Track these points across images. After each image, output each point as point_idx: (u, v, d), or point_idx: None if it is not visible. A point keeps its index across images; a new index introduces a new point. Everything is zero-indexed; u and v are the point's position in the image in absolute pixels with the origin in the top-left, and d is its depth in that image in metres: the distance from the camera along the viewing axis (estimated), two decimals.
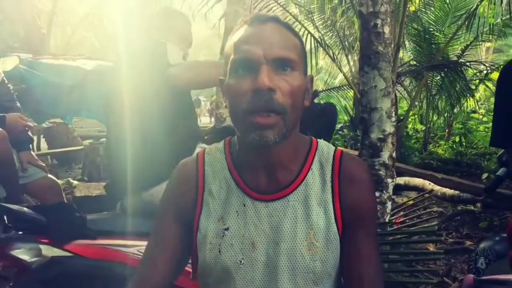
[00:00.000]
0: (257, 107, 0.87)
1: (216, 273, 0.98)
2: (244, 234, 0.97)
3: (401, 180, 5.59)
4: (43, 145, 8.44)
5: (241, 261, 0.96)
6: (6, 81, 2.76)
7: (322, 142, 1.04)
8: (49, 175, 2.81)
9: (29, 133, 2.67)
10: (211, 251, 0.98)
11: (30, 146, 2.75)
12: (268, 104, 0.86)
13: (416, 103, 8.25)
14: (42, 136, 8.37)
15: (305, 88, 0.95)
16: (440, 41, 7.59)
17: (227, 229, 0.98)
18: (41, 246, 1.53)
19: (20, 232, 1.57)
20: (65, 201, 2.91)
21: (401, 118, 7.21)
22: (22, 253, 1.51)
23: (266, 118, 0.87)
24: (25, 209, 1.59)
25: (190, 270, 1.09)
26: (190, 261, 1.09)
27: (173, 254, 1.03)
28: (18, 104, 2.78)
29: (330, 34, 7.89)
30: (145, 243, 1.53)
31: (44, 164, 2.77)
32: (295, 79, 0.90)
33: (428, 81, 7.49)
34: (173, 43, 1.77)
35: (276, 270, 0.95)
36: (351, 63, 8.26)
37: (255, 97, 0.87)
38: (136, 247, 1.56)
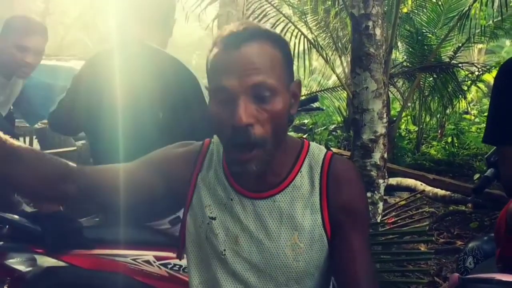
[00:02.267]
0: (237, 143, 0.88)
1: (202, 257, 1.02)
2: (229, 227, 0.99)
3: (393, 181, 5.62)
4: (36, 146, 8.39)
5: (223, 252, 0.98)
6: None
7: (314, 145, 1.05)
8: None
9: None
10: (199, 236, 1.01)
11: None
12: (247, 140, 0.87)
13: (409, 104, 8.29)
14: (34, 137, 8.30)
15: (289, 105, 0.94)
16: (432, 43, 7.63)
17: (213, 218, 1.00)
18: (36, 256, 1.51)
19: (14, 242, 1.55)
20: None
21: (394, 119, 7.25)
22: (16, 263, 1.50)
23: (246, 154, 0.88)
24: (20, 217, 1.57)
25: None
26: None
27: (128, 185, 0.99)
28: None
29: (324, 35, 7.91)
30: (142, 252, 1.53)
31: None
32: (276, 104, 0.89)
33: (421, 82, 7.53)
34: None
35: (258, 267, 0.97)
36: (345, 64, 8.28)
37: (234, 133, 0.87)
38: (133, 256, 1.55)
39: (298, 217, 0.97)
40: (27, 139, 7.85)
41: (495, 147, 1.73)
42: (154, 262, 1.53)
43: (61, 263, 1.51)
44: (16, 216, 1.58)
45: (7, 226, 1.57)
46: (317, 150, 1.03)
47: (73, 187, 0.95)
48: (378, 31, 2.80)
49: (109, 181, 0.99)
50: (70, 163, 0.98)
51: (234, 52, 0.87)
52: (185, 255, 1.08)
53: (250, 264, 0.97)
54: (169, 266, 1.56)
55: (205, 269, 1.03)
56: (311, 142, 1.06)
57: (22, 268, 1.50)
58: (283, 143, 0.97)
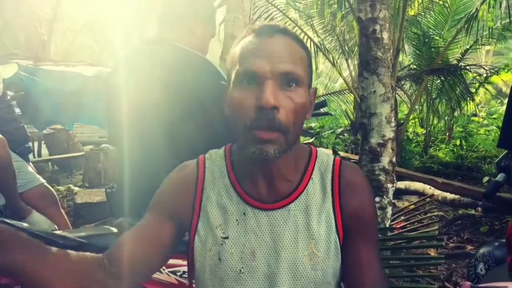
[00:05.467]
0: (261, 125, 0.86)
1: (216, 282, 0.97)
2: (245, 243, 0.96)
3: (401, 184, 5.59)
4: (44, 151, 8.45)
5: (240, 270, 0.95)
6: (1, 90, 2.76)
7: (321, 151, 1.04)
8: (45, 183, 2.82)
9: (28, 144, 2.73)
10: (211, 259, 0.97)
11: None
12: (271, 123, 0.86)
13: (416, 106, 8.26)
14: (43, 142, 8.38)
15: (308, 103, 0.94)
16: (439, 45, 7.61)
17: (226, 237, 0.97)
18: None
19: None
20: (62, 209, 2.92)
21: (402, 122, 7.22)
22: None
23: (268, 133, 0.86)
24: (29, 225, 1.57)
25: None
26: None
27: (151, 249, 0.98)
28: (18, 110, 2.81)
29: (330, 39, 7.91)
30: None
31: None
32: (299, 96, 0.90)
33: (428, 85, 7.50)
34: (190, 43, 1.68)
35: (276, 280, 0.94)
36: (351, 67, 8.27)
37: (259, 115, 0.86)
38: None
39: (313, 225, 0.96)
40: (36, 144, 7.94)
41: (505, 152, 1.72)
42: (164, 269, 1.53)
43: None
44: (25, 224, 1.59)
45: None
46: (326, 157, 1.03)
47: (106, 277, 0.94)
48: (385, 35, 2.78)
49: (136, 256, 0.97)
50: (94, 254, 0.96)
51: (267, 39, 0.90)
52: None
53: (268, 278, 0.95)
54: (178, 274, 1.55)
55: None
56: (318, 148, 1.06)
57: None
58: (293, 151, 0.96)
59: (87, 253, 0.96)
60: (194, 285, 1.07)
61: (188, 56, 1.63)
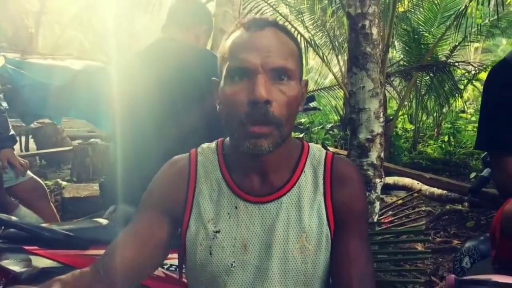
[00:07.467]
0: (254, 119, 0.86)
1: (207, 276, 0.97)
2: (236, 237, 0.96)
3: (390, 180, 5.63)
4: (32, 145, 8.35)
5: (232, 264, 0.95)
6: None
7: (313, 146, 1.05)
8: (34, 177, 2.80)
9: (12, 132, 2.68)
10: (202, 253, 0.97)
11: (13, 146, 2.75)
12: (265, 117, 0.86)
13: (406, 103, 8.31)
14: (30, 136, 8.28)
15: (300, 95, 0.95)
16: (429, 42, 7.64)
17: (218, 231, 0.97)
18: (31, 257, 1.50)
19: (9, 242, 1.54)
20: (51, 203, 2.89)
21: (391, 118, 7.25)
22: (11, 264, 1.49)
23: (261, 128, 0.86)
24: (13, 218, 1.56)
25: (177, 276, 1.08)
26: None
27: (146, 249, 0.97)
28: (4, 104, 2.78)
29: (320, 34, 7.90)
30: None
31: (22, 166, 2.71)
32: (291, 89, 0.90)
33: (417, 81, 7.54)
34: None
35: (267, 273, 0.95)
36: (341, 63, 8.29)
37: (252, 109, 0.86)
38: None
39: (305, 219, 0.96)
40: (23, 138, 7.85)
41: None
42: None
43: (56, 264, 1.51)
44: (13, 218, 1.58)
45: (2, 227, 1.56)
46: (318, 151, 1.03)
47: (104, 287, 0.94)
48: (374, 31, 2.79)
49: (134, 259, 0.96)
50: (87, 269, 0.95)
51: (257, 32, 0.90)
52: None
53: (260, 271, 0.95)
54: (166, 267, 1.55)
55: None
56: (310, 144, 1.06)
57: (16, 269, 1.48)
58: (286, 144, 0.96)
59: (82, 270, 0.95)
60: (184, 279, 1.07)
61: (196, 49, 1.83)
